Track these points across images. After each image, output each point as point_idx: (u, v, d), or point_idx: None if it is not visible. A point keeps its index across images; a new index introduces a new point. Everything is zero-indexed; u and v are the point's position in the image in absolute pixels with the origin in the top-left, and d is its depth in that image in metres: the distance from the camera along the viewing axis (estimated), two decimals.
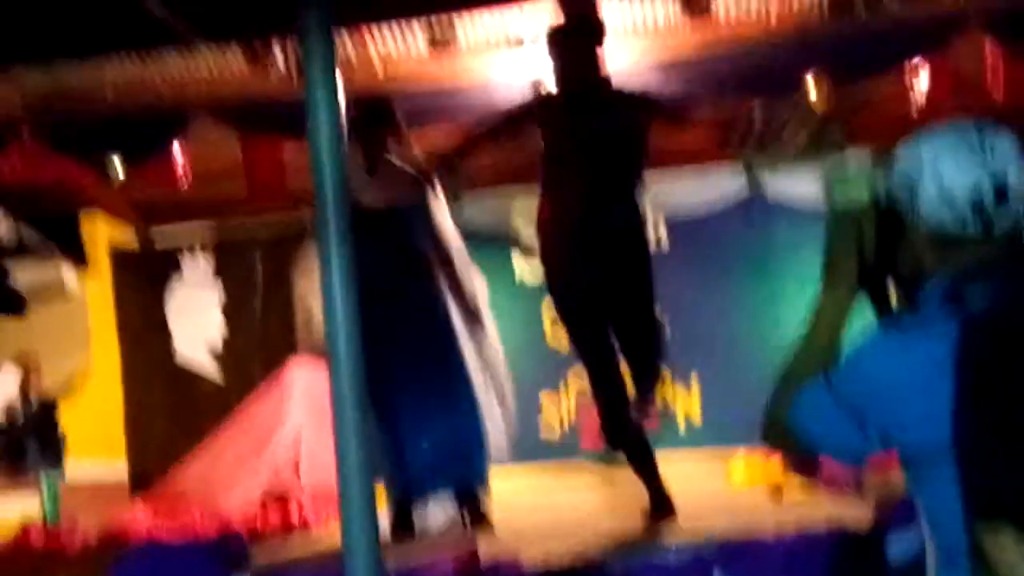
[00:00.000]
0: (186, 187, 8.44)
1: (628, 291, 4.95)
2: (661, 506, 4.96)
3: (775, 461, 6.35)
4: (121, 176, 7.70)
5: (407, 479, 5.29)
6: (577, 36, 5.11)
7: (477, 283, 5.74)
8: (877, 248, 1.51)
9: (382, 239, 5.32)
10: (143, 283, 9.63)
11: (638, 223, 5.02)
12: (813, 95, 7.20)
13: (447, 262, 5.53)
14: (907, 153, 1.70)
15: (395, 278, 5.31)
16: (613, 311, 4.97)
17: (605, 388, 4.99)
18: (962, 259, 1.65)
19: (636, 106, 5.15)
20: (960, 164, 1.64)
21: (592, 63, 5.09)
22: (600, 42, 5.13)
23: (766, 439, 1.58)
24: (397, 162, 5.61)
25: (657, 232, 9.45)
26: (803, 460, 5.72)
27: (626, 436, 4.95)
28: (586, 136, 4.93)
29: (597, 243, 4.90)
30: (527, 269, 9.24)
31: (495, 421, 5.48)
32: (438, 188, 5.62)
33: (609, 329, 4.96)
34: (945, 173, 1.64)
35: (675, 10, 7.27)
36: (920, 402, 1.56)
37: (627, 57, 7.45)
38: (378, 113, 5.51)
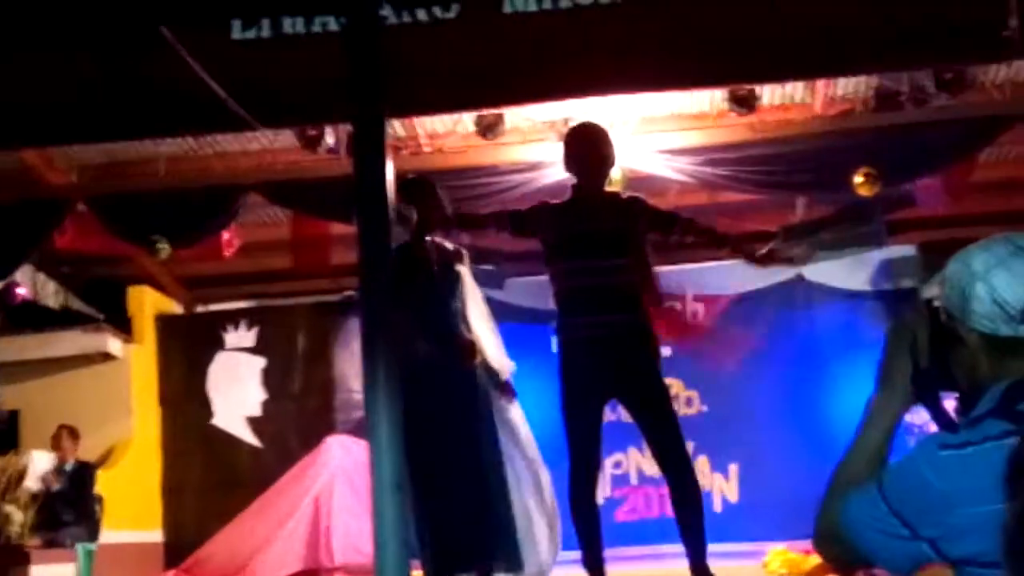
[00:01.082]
0: (231, 258, 8.52)
1: (642, 386, 4.98)
2: None
3: (814, 558, 6.28)
4: (168, 254, 7.78)
5: (442, 558, 5.28)
6: (592, 138, 5.22)
7: (506, 363, 5.75)
8: (930, 352, 1.51)
9: (423, 317, 5.36)
10: (187, 352, 9.71)
11: (642, 323, 5.06)
12: (859, 189, 7.18)
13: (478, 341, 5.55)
14: (958, 263, 1.70)
15: (433, 356, 5.34)
16: (629, 405, 5.02)
17: (579, 469, 4.95)
18: (1018, 367, 1.63)
19: (633, 212, 5.22)
20: (1014, 275, 1.64)
21: (603, 167, 5.19)
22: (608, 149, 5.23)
23: (817, 545, 1.55)
24: (439, 241, 5.68)
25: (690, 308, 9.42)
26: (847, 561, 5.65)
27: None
28: (586, 235, 5.01)
29: (601, 345, 4.96)
30: None
31: (537, 510, 5.44)
32: (467, 268, 5.66)
33: (600, 426, 5.01)
34: (998, 284, 1.64)
35: (722, 97, 7.34)
36: (973, 514, 1.53)
37: (673, 142, 7.52)
38: (421, 192, 5.58)
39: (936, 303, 1.71)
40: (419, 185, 5.55)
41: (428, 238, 5.47)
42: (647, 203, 5.22)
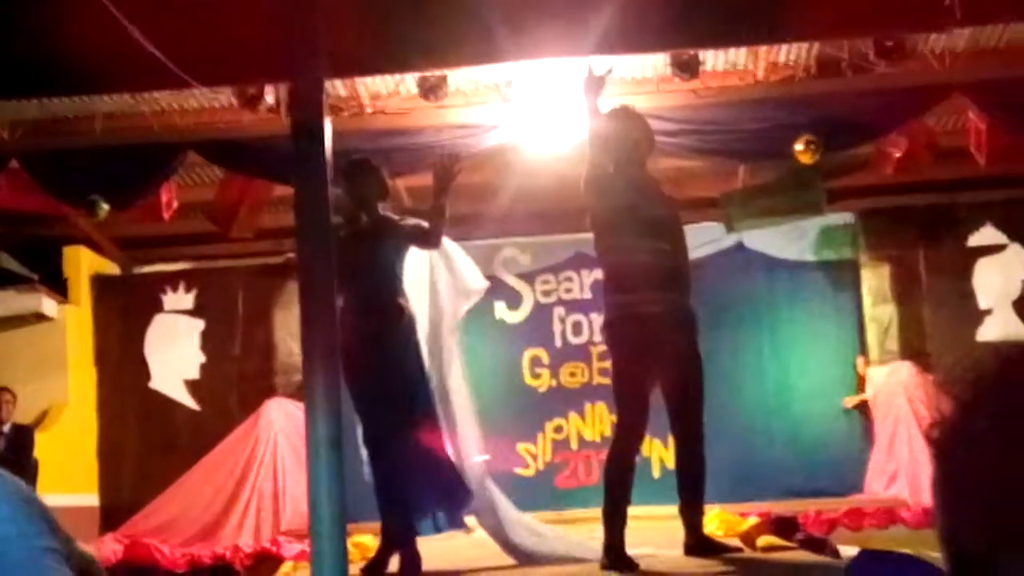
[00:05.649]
0: (169, 219, 8.41)
1: (680, 370, 5.17)
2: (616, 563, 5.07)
3: (751, 519, 6.38)
4: (105, 213, 7.66)
5: (393, 514, 5.41)
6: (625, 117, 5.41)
7: (451, 335, 5.85)
8: None
9: (373, 288, 5.43)
10: (124, 314, 9.58)
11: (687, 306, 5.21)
12: (799, 156, 7.25)
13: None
14: None
15: (384, 324, 5.42)
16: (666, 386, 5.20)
17: (628, 438, 5.20)
18: None
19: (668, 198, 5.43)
20: None
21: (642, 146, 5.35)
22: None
23: None
24: (387, 214, 5.72)
25: None
26: (781, 522, 5.79)
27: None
28: (639, 214, 5.17)
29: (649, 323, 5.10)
30: (508, 312, 9.28)
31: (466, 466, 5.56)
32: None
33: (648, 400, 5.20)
34: None
35: (665, 63, 7.33)
36: None
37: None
38: (363, 171, 5.64)
39: None
40: (359, 165, 5.61)
41: (378, 212, 5.53)
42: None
